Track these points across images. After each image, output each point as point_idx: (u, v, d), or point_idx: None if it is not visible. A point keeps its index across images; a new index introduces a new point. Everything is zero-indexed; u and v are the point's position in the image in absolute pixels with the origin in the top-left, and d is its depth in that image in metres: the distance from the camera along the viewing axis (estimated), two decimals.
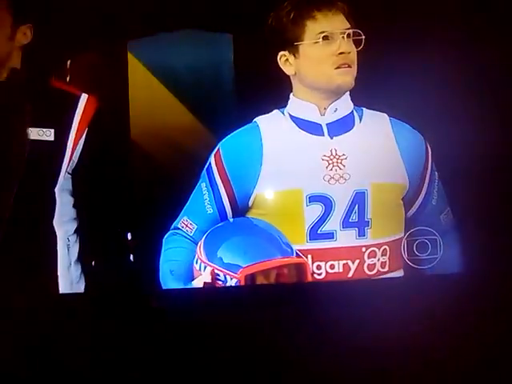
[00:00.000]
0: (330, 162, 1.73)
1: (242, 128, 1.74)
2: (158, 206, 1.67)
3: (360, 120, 1.78)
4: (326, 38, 1.73)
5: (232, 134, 1.74)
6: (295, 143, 1.75)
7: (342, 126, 1.77)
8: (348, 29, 1.74)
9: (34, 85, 1.69)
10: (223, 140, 1.75)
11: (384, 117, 1.80)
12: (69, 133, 1.69)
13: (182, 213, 1.73)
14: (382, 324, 1.66)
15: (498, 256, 1.75)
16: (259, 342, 1.66)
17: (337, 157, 1.73)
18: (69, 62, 1.71)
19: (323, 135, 1.75)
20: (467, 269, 1.79)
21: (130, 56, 1.71)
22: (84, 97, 1.71)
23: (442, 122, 1.80)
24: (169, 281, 1.73)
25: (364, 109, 1.81)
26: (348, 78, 1.75)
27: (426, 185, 1.80)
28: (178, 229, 1.73)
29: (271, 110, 1.78)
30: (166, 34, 1.71)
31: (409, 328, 1.66)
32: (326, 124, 1.75)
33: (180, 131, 1.70)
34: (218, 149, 1.74)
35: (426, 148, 1.81)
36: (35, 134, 1.67)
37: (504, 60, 1.82)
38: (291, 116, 1.76)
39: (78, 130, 1.70)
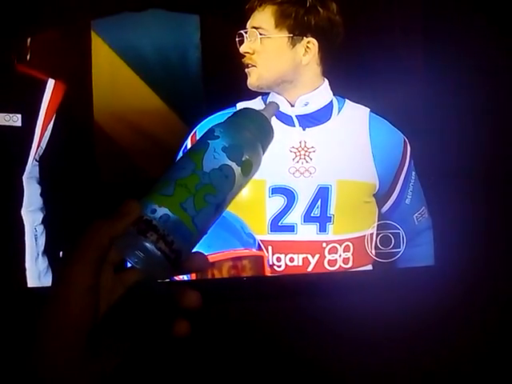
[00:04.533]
0: (298, 154, 1.56)
1: (221, 112, 1.58)
2: (123, 193, 1.50)
3: (338, 112, 1.59)
4: (239, 35, 1.58)
5: (210, 117, 1.57)
6: None
7: (315, 118, 1.59)
8: (256, 27, 1.57)
9: None
10: (201, 122, 1.59)
11: (364, 111, 1.61)
12: (37, 118, 1.52)
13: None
14: (353, 317, 1.52)
15: (468, 251, 1.59)
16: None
17: (305, 149, 1.56)
18: (29, 41, 1.53)
19: (294, 126, 1.56)
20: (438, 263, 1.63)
21: (93, 35, 1.55)
22: (51, 82, 1.53)
23: (426, 121, 1.59)
24: None
25: (347, 100, 1.62)
26: (250, 78, 1.59)
27: (399, 184, 1.61)
28: None
29: (246, 95, 1.60)
30: (131, 13, 1.55)
31: (380, 320, 1.52)
32: (296, 116, 1.56)
33: (146, 114, 1.55)
34: (195, 132, 1.58)
35: (405, 147, 1.62)
36: (1, 119, 1.50)
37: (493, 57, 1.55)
38: None
39: (46, 116, 1.53)
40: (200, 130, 1.60)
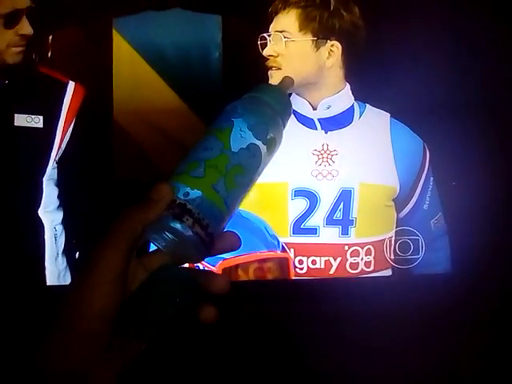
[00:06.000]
0: (321, 156, 1.53)
1: None
2: (141, 193, 1.44)
3: (360, 116, 1.57)
4: (261, 38, 1.55)
5: None
6: (291, 136, 1.53)
7: (337, 121, 1.56)
8: (280, 31, 1.54)
9: (21, 69, 1.46)
10: None
11: (385, 116, 1.59)
12: (58, 121, 1.48)
13: None
14: (370, 322, 1.48)
15: (485, 257, 1.54)
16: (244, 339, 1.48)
17: (328, 152, 1.53)
18: (50, 40, 1.49)
19: (316, 129, 1.53)
20: (455, 269, 1.60)
21: (115, 33, 1.51)
22: (71, 84, 1.50)
23: (445, 127, 1.55)
24: None
25: (367, 105, 1.60)
26: (273, 80, 1.55)
27: (419, 189, 1.58)
28: None
29: None
30: (153, 12, 1.51)
31: (397, 326, 1.47)
32: (318, 119, 1.53)
33: (166, 114, 1.51)
34: None
35: (424, 153, 1.59)
36: (23, 120, 1.45)
37: None
38: (292, 109, 1.53)
39: (66, 119, 1.49)
40: None
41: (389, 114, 1.60)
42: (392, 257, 1.57)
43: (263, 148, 0.65)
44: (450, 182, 1.59)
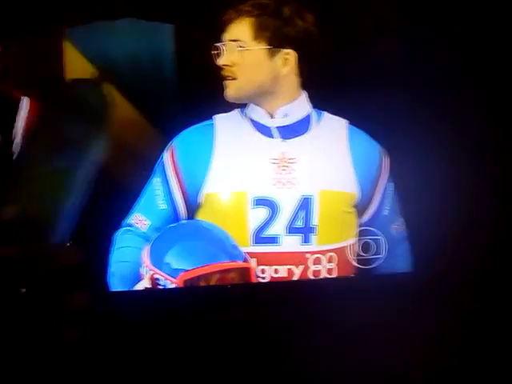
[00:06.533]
0: (279, 165, 1.50)
1: (199, 124, 1.55)
2: (103, 206, 1.41)
3: (317, 123, 1.54)
4: (215, 48, 1.55)
5: (187, 129, 1.52)
6: (249, 145, 1.54)
7: (294, 129, 1.55)
8: (233, 40, 1.53)
9: None
10: (178, 135, 1.55)
11: (342, 123, 1.58)
12: (15, 138, 1.45)
13: (134, 209, 1.50)
14: (332, 323, 1.47)
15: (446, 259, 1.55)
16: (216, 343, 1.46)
17: (285, 160, 1.52)
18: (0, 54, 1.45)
19: (273, 137, 1.52)
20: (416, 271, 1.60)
21: (67, 44, 1.50)
22: (26, 100, 1.47)
23: (403, 133, 1.54)
24: (114, 283, 1.50)
25: (325, 112, 1.59)
26: (229, 90, 1.55)
27: (378, 195, 1.58)
28: (131, 225, 1.51)
29: (223, 107, 1.56)
30: (105, 21, 1.49)
31: (358, 326, 1.47)
32: (276, 127, 1.52)
33: (121, 125, 1.46)
34: (172, 143, 1.51)
35: (382, 158, 1.57)
36: None
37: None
38: (250, 118, 1.53)
39: (23, 136, 1.46)
40: (177, 143, 1.54)
41: (346, 121, 1.59)
42: (354, 257, 1.55)
43: (85, 149, 0.63)
44: (410, 185, 1.59)
